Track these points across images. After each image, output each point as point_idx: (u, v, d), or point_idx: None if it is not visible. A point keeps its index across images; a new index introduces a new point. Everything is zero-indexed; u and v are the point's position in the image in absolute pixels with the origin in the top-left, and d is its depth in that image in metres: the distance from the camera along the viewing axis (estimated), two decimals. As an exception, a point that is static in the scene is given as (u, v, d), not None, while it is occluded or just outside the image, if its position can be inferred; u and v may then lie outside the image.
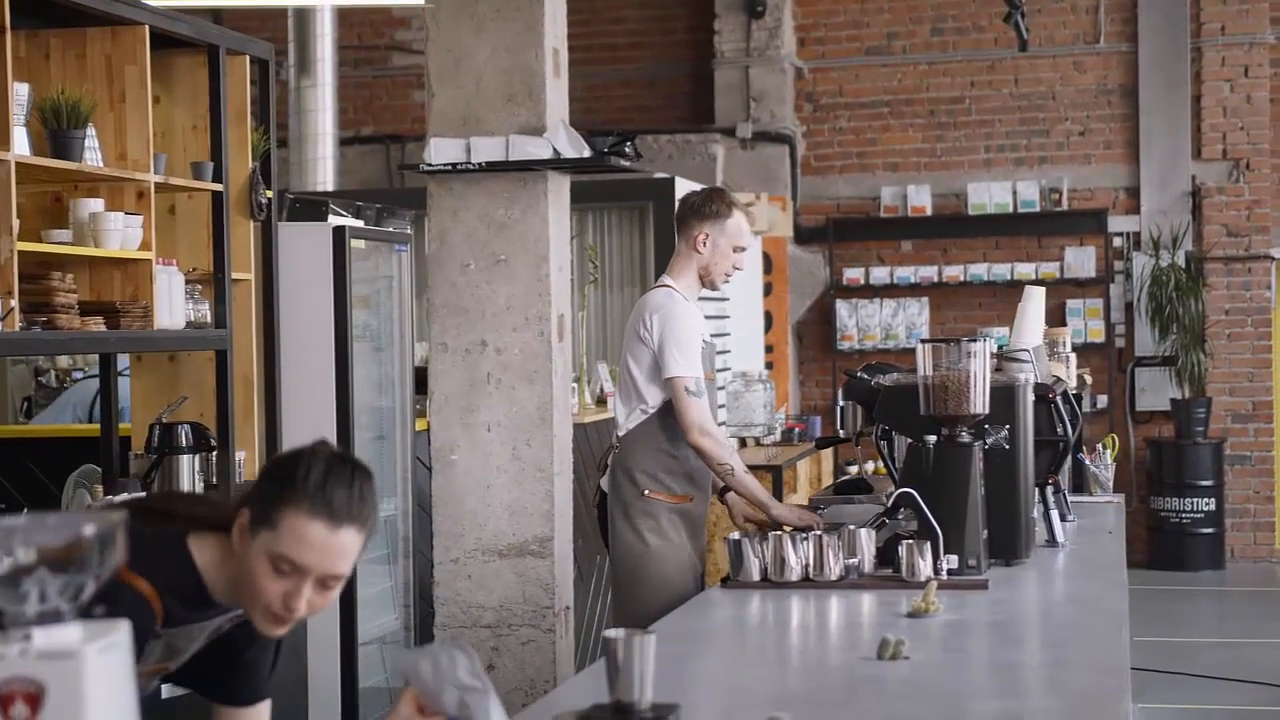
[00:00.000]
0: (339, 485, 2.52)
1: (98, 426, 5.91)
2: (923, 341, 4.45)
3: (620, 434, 5.27)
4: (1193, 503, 11.99)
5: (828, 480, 10.96)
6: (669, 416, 5.16)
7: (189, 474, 5.53)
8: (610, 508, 5.26)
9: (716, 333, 10.37)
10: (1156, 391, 12.35)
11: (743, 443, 9.94)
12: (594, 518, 5.50)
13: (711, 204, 5.31)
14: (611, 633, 2.68)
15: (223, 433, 5.68)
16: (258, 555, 2.52)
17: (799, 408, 12.66)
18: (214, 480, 5.69)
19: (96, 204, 5.15)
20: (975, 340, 4.44)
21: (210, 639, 2.72)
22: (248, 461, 5.90)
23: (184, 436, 5.51)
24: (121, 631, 1.83)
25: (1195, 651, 9.37)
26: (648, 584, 5.11)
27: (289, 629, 2.60)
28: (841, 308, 12.71)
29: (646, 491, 5.17)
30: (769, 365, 12.14)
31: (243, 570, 2.56)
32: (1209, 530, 12.04)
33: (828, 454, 11.01)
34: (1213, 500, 12.02)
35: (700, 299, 5.37)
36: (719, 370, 6.26)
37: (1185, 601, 11.27)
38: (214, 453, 5.65)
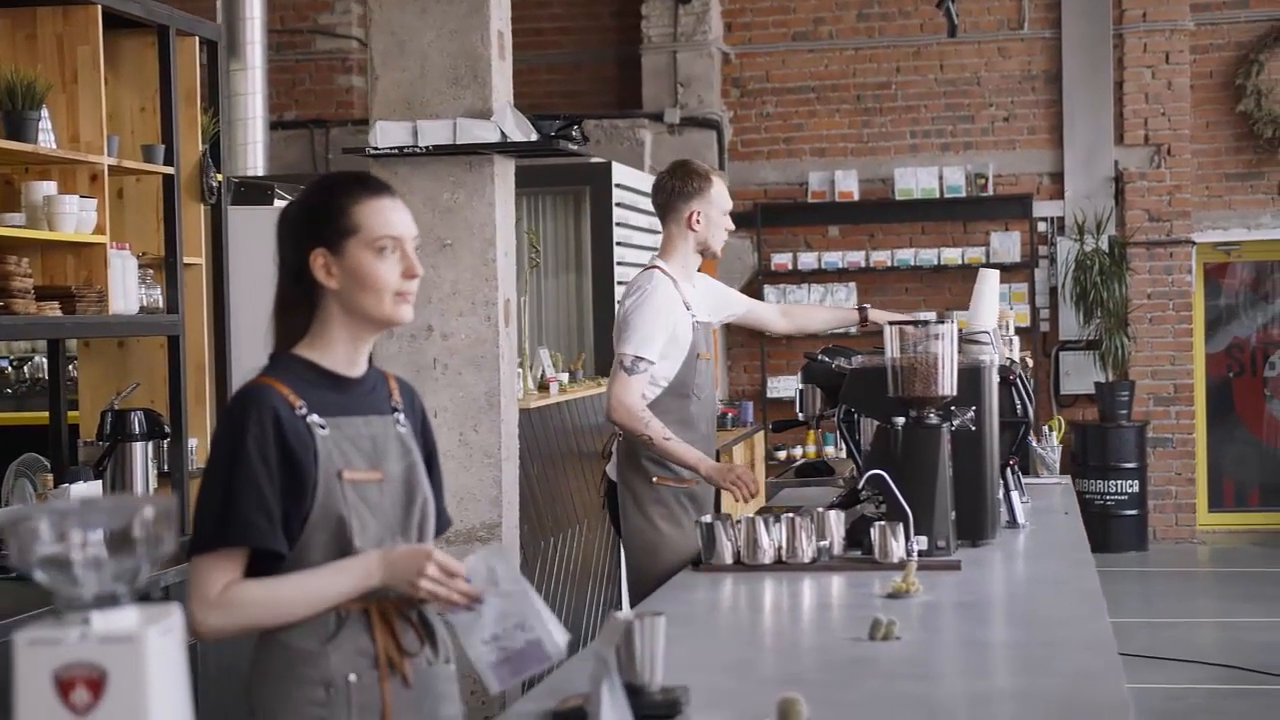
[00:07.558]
0: (361, 175, 2.89)
1: (46, 414, 5.82)
2: (890, 324, 4.47)
3: None
4: (1116, 485, 12.14)
5: (762, 465, 11.01)
6: (670, 399, 5.16)
7: (142, 461, 5.44)
8: (620, 495, 5.27)
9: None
10: (1080, 375, 12.48)
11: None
12: (602, 505, 5.51)
13: (692, 181, 5.33)
14: (622, 615, 2.68)
15: (175, 419, 5.60)
16: (360, 259, 2.80)
17: (727, 394, 12.68)
18: (167, 468, 5.62)
19: (50, 187, 5.06)
20: (943, 323, 4.46)
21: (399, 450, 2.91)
22: (200, 449, 5.83)
23: (137, 423, 5.42)
24: (175, 615, 1.81)
25: (1120, 631, 9.46)
26: (663, 568, 5.09)
27: (412, 305, 2.87)
28: (770, 293, 12.73)
29: (655, 479, 5.20)
30: (698, 350, 12.15)
31: (351, 290, 2.81)
32: (1132, 512, 12.19)
33: (759, 439, 11.05)
34: (1136, 482, 12.17)
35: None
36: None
37: (1110, 582, 11.26)
38: (167, 440, 5.57)
